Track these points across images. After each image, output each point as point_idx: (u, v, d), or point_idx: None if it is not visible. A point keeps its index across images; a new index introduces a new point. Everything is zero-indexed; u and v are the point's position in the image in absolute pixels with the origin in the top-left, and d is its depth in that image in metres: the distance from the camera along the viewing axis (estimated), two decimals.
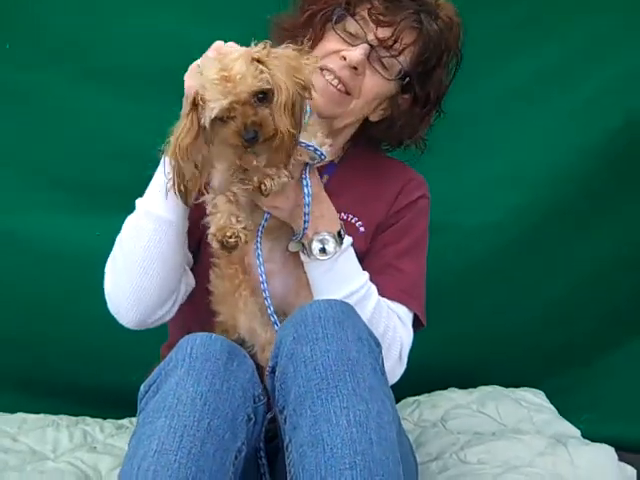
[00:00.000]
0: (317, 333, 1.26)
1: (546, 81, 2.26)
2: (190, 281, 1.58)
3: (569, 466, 1.80)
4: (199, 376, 1.26)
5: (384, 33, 1.51)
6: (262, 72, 1.29)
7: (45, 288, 2.22)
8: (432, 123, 1.69)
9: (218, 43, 1.40)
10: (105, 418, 2.14)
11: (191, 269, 1.60)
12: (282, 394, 1.27)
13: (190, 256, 1.59)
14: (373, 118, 1.64)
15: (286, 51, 1.36)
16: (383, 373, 1.32)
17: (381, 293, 1.56)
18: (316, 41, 1.56)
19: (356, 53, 1.51)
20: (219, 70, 1.27)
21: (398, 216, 1.65)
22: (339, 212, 1.59)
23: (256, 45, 1.34)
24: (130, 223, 1.49)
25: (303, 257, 1.49)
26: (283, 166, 1.35)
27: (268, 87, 1.29)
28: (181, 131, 1.31)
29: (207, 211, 1.38)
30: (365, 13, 1.52)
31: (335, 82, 1.52)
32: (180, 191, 1.36)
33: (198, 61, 1.38)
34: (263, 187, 1.34)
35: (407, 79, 1.57)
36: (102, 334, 2.21)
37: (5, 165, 2.18)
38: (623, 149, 2.29)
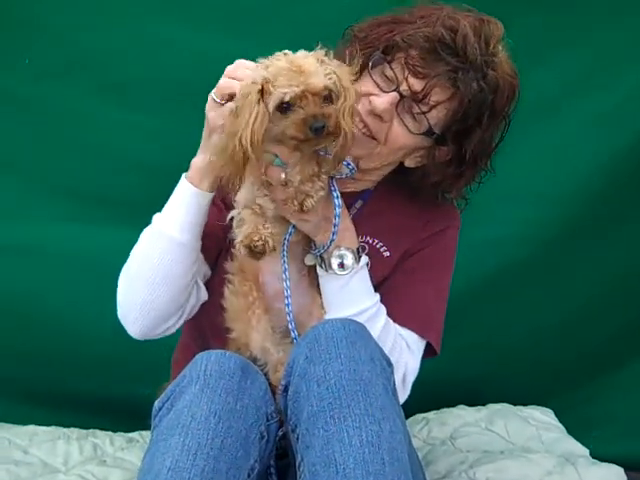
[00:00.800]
0: (330, 353, 1.28)
1: (557, 96, 2.25)
2: (202, 296, 1.60)
3: None
4: (213, 394, 1.27)
5: (416, 85, 1.45)
6: (332, 73, 1.32)
7: (55, 300, 2.23)
8: (477, 181, 1.63)
9: (230, 67, 1.41)
10: (115, 431, 2.15)
11: (206, 282, 1.62)
12: (294, 413, 1.28)
13: (206, 268, 1.61)
14: (408, 164, 1.60)
15: (343, 65, 1.39)
16: (394, 393, 1.34)
17: (394, 318, 1.57)
18: (355, 81, 1.50)
19: (382, 100, 1.47)
20: (292, 63, 1.30)
21: (424, 244, 1.64)
22: (366, 236, 1.61)
23: (320, 49, 1.36)
24: (144, 239, 1.51)
25: (320, 271, 1.51)
26: (317, 179, 1.37)
27: (334, 88, 1.32)
28: (254, 118, 1.29)
29: (233, 225, 1.40)
30: (402, 61, 1.46)
31: (360, 125, 1.48)
32: (237, 182, 1.36)
33: (214, 92, 1.39)
34: (305, 207, 1.36)
35: (437, 135, 1.51)
36: (112, 347, 2.23)
37: (17, 175, 2.20)
38: (635, 164, 2.28)
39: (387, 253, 1.62)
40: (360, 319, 1.44)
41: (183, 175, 1.50)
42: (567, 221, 2.32)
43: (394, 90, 1.47)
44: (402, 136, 1.50)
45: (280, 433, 1.40)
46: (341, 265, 1.48)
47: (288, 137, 1.31)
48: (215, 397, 1.27)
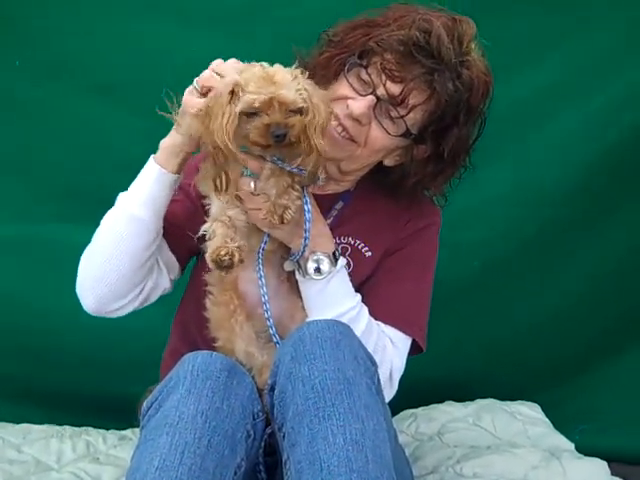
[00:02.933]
0: (315, 353, 1.30)
1: (545, 98, 2.27)
2: (163, 283, 1.61)
3: (562, 479, 1.83)
4: (200, 394, 1.30)
5: (393, 89, 1.47)
6: (302, 89, 1.36)
7: (48, 299, 2.25)
8: (455, 178, 1.66)
9: (218, 61, 1.44)
10: (108, 429, 2.17)
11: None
12: (281, 412, 1.31)
13: (172, 260, 1.63)
14: (387, 163, 1.62)
15: (315, 85, 1.42)
16: (379, 392, 1.36)
17: (378, 317, 1.59)
18: (330, 83, 1.55)
19: (359, 105, 1.48)
20: (265, 73, 1.35)
21: (404, 243, 1.66)
22: (348, 237, 1.64)
23: (296, 68, 1.41)
24: (107, 215, 1.54)
25: (298, 276, 1.54)
26: (292, 189, 1.40)
27: (304, 104, 1.35)
28: (226, 118, 1.32)
29: (206, 237, 1.42)
30: (378, 65, 1.48)
31: (339, 129, 1.51)
32: (220, 182, 1.39)
33: (196, 79, 1.43)
34: (285, 220, 1.39)
35: (414, 135, 1.53)
36: (105, 345, 2.26)
37: (12, 176, 2.22)
38: (619, 161, 2.30)
39: (369, 253, 1.64)
40: (342, 320, 1.46)
41: (152, 155, 1.52)
42: (552, 220, 2.35)
43: (371, 93, 1.49)
44: (381, 138, 1.52)
45: (268, 431, 1.42)
46: (317, 270, 1.50)
47: (250, 141, 1.35)
48: (202, 397, 1.29)
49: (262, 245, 1.50)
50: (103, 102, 2.16)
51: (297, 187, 1.42)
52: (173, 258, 1.63)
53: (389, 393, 1.60)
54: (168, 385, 1.35)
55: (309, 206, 1.46)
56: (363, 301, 1.59)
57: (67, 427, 2.14)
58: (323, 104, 1.38)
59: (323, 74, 1.52)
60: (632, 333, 2.45)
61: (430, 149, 1.56)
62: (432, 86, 1.46)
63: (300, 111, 1.35)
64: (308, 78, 1.40)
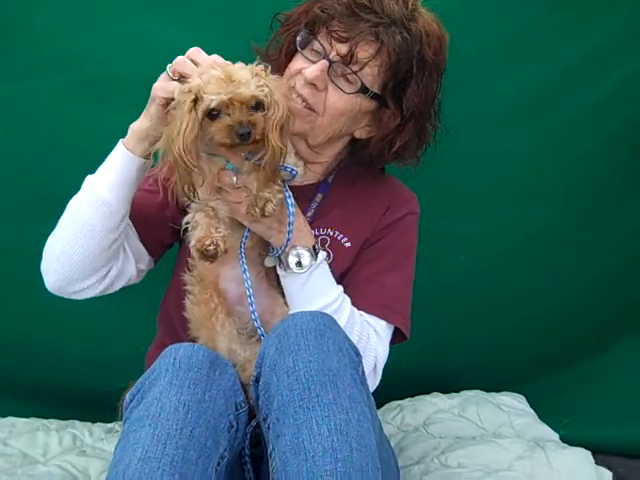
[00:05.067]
0: (299, 344, 1.31)
1: (536, 93, 2.25)
2: (130, 271, 1.62)
3: (547, 469, 1.85)
4: (182, 385, 1.30)
5: (342, 49, 1.51)
6: (264, 86, 1.36)
7: (32, 294, 2.21)
8: (428, 140, 1.68)
9: (196, 48, 1.45)
10: (94, 422, 2.17)
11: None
12: (265, 403, 1.31)
13: (143, 251, 1.64)
14: (359, 135, 1.65)
15: (282, 79, 1.47)
16: (363, 382, 1.37)
17: (361, 307, 1.60)
18: (286, 63, 1.59)
19: (312, 69, 1.52)
20: (223, 72, 1.35)
21: (383, 232, 1.68)
22: (327, 229, 1.65)
23: (258, 64, 1.41)
24: (74, 197, 1.55)
25: (280, 271, 1.55)
26: (273, 183, 1.40)
27: (265, 99, 1.36)
28: (185, 127, 1.33)
29: (188, 230, 1.43)
30: (325, 30, 1.53)
31: (298, 100, 1.53)
32: (186, 189, 1.39)
33: (169, 65, 1.44)
34: (267, 213, 1.40)
35: (373, 93, 1.55)
36: (90, 339, 2.26)
37: None
38: (616, 161, 2.31)
39: (348, 244, 1.66)
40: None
41: (120, 139, 1.52)
42: (544, 217, 2.34)
43: (323, 59, 1.52)
44: (339, 100, 1.55)
45: (253, 423, 1.43)
46: (299, 264, 1.52)
47: (217, 144, 1.36)
48: (184, 388, 1.30)
49: (243, 240, 1.51)
50: (87, 99, 2.11)
51: (278, 181, 1.42)
52: (142, 248, 1.64)
53: (373, 382, 1.61)
54: (150, 377, 1.35)
55: (292, 200, 1.48)
56: (345, 292, 1.60)
57: (53, 420, 2.14)
58: (284, 98, 1.39)
59: (277, 57, 1.56)
60: (618, 328, 2.46)
61: (396, 113, 1.58)
62: (379, 38, 1.50)
63: (262, 107, 1.36)
64: (271, 67, 1.42)
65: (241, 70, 1.37)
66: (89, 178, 1.54)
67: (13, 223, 2.18)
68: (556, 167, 2.29)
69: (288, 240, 1.49)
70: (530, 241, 2.35)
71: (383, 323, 1.62)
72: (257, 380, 1.35)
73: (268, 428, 1.30)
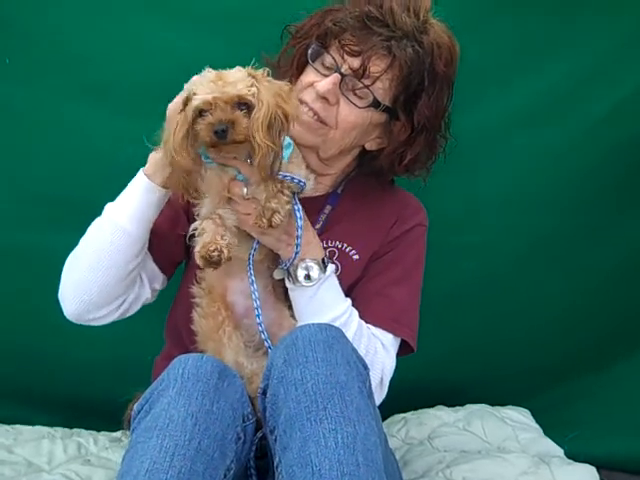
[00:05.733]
0: (307, 356, 1.31)
1: (541, 104, 2.26)
2: (145, 294, 1.64)
3: None
4: (190, 397, 1.30)
5: (354, 63, 1.51)
6: (253, 86, 1.38)
7: (37, 300, 2.22)
8: (438, 152, 1.69)
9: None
10: (99, 431, 2.17)
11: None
12: (273, 415, 1.32)
13: (157, 271, 1.66)
14: (370, 147, 1.65)
15: (280, 82, 1.45)
16: (370, 395, 1.37)
17: (369, 320, 1.61)
18: (297, 76, 1.59)
19: (325, 82, 1.52)
20: (216, 74, 1.38)
21: (392, 245, 1.68)
22: (335, 241, 1.66)
23: (257, 68, 1.43)
24: (93, 224, 1.57)
25: (288, 284, 1.55)
26: (281, 194, 1.41)
27: (251, 100, 1.37)
28: (174, 128, 1.38)
29: (195, 234, 1.44)
30: (337, 44, 1.53)
31: (310, 114, 1.54)
32: (181, 186, 1.41)
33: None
34: (274, 223, 1.41)
35: (385, 106, 1.56)
36: (97, 347, 2.25)
37: None
38: (621, 171, 2.30)
39: (356, 257, 1.66)
40: None
41: (141, 169, 1.55)
42: (547, 227, 2.34)
43: (334, 72, 1.53)
44: (351, 114, 1.55)
45: (259, 434, 1.43)
46: (307, 277, 1.53)
47: (202, 141, 1.38)
48: (192, 400, 1.30)
49: (252, 252, 1.52)
50: (91, 104, 2.12)
51: (287, 192, 1.43)
52: (156, 268, 1.66)
53: (380, 396, 1.62)
54: (159, 388, 1.35)
55: (301, 213, 1.48)
56: (353, 305, 1.60)
57: (58, 429, 2.14)
58: (273, 99, 1.38)
59: (288, 69, 1.58)
60: (624, 340, 2.45)
61: (406, 125, 1.59)
62: (391, 52, 1.51)
63: (248, 108, 1.37)
64: (281, 77, 1.46)
65: (235, 72, 1.39)
66: (109, 206, 1.56)
67: (14, 226, 2.19)
68: (560, 178, 2.30)
69: (297, 253, 1.50)
70: (534, 252, 2.35)
71: (390, 336, 1.62)
72: (264, 392, 1.36)
73: (275, 440, 1.30)
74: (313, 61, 1.57)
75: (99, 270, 1.52)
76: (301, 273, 1.52)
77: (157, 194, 1.52)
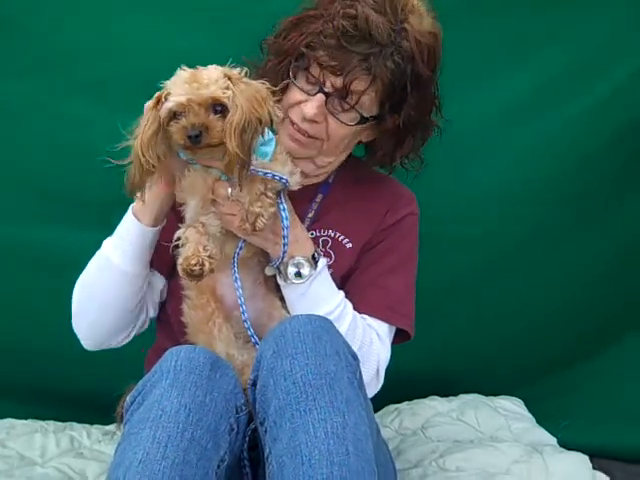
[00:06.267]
0: (296, 347, 1.31)
1: (535, 96, 2.27)
2: (155, 305, 1.71)
3: (544, 473, 1.85)
4: (183, 388, 1.30)
5: (336, 82, 1.49)
6: (228, 88, 1.35)
7: (31, 296, 2.24)
8: (430, 136, 1.68)
9: None
10: (92, 424, 2.17)
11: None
12: (262, 407, 1.31)
13: (161, 285, 1.69)
14: (364, 139, 1.65)
15: (257, 84, 1.42)
16: (360, 386, 1.37)
17: (365, 311, 1.61)
18: (283, 90, 1.55)
19: (310, 106, 1.51)
20: (191, 74, 1.35)
21: (384, 234, 1.68)
22: (328, 229, 1.66)
23: (235, 67, 1.41)
24: (95, 263, 1.60)
25: (280, 281, 1.55)
26: (265, 196, 1.40)
27: (226, 102, 1.34)
28: (144, 125, 1.37)
29: (179, 245, 1.42)
30: (317, 62, 1.50)
31: (302, 132, 1.53)
32: (133, 185, 1.40)
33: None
34: (257, 227, 1.40)
35: (372, 117, 1.55)
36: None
37: None
38: (615, 162, 2.32)
39: (349, 245, 1.66)
40: None
41: (131, 205, 1.56)
42: (538, 220, 2.35)
43: (319, 92, 1.51)
44: (340, 128, 1.55)
45: (252, 426, 1.42)
46: (298, 274, 1.52)
47: (176, 143, 1.37)
48: (185, 391, 1.30)
49: (237, 250, 1.51)
50: (89, 101, 2.13)
51: (270, 194, 1.42)
52: (158, 275, 1.68)
53: (376, 386, 1.63)
54: (151, 379, 1.35)
55: (286, 213, 1.47)
56: (349, 296, 1.60)
57: (51, 422, 2.15)
58: (248, 103, 1.36)
59: (274, 83, 1.52)
60: (617, 330, 2.46)
61: (397, 121, 1.57)
62: (371, 71, 1.47)
63: (223, 111, 1.35)
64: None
65: (210, 71, 1.37)
66: (108, 245, 1.59)
67: (10, 221, 2.19)
68: (557, 168, 2.30)
69: (284, 253, 1.50)
70: (529, 244, 2.36)
71: (386, 326, 1.63)
72: (254, 383, 1.36)
73: (265, 431, 1.30)
74: (295, 79, 1.55)
75: (109, 311, 1.60)
76: (291, 271, 1.52)
77: (150, 235, 1.55)
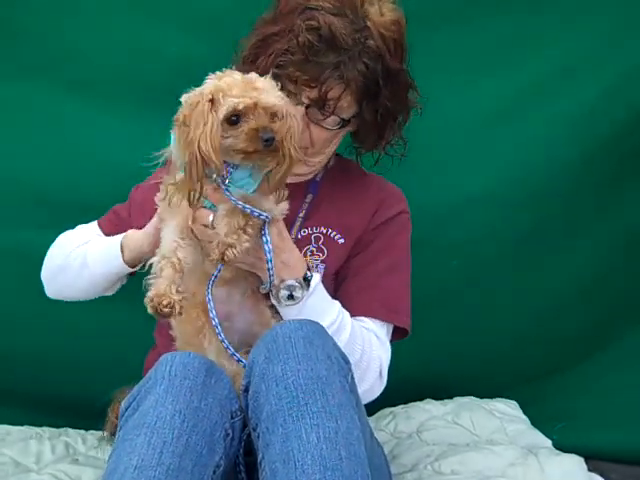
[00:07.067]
0: (288, 352, 1.31)
1: (523, 98, 2.27)
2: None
3: (540, 476, 1.86)
4: (178, 394, 1.30)
5: (312, 94, 1.52)
6: (280, 96, 1.38)
7: (27, 301, 2.22)
8: (410, 117, 1.69)
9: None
10: (87, 430, 2.17)
11: None
12: (255, 412, 1.31)
13: None
14: (350, 129, 1.67)
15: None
16: (352, 389, 1.37)
17: (361, 313, 1.62)
18: None
19: None
20: (246, 79, 1.36)
21: (377, 233, 1.69)
22: (320, 227, 1.67)
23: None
24: (76, 265, 1.69)
25: (274, 301, 1.54)
26: (242, 232, 1.38)
27: (280, 110, 1.37)
28: (209, 126, 1.31)
29: (152, 271, 1.41)
30: (289, 79, 1.51)
31: None
32: (194, 194, 1.37)
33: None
34: (226, 258, 1.37)
35: (351, 118, 1.59)
36: (85, 346, 2.26)
37: None
38: (606, 164, 2.32)
39: (342, 240, 1.67)
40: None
41: (121, 236, 1.62)
42: (532, 223, 2.35)
43: (297, 104, 1.52)
44: (323, 133, 1.59)
45: (248, 431, 1.42)
46: (290, 297, 1.51)
47: (236, 149, 1.35)
48: (180, 397, 1.30)
49: (215, 273, 1.48)
50: (77, 101, 2.13)
51: (249, 230, 1.39)
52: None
53: (380, 388, 1.64)
54: (146, 385, 1.35)
55: (269, 246, 1.44)
56: (347, 300, 1.61)
57: (46, 428, 2.15)
58: (296, 111, 1.41)
59: None
60: (610, 332, 2.46)
61: (374, 112, 1.60)
62: (343, 77, 1.50)
63: (277, 118, 1.36)
64: None
65: (260, 79, 1.38)
66: (91, 252, 1.67)
67: (5, 226, 2.19)
68: (543, 173, 2.30)
69: (270, 282, 1.49)
70: (519, 248, 2.36)
71: (384, 326, 1.64)
72: (246, 389, 1.36)
73: (258, 437, 1.30)
74: None
75: (79, 286, 1.73)
76: (284, 294, 1.51)
77: (124, 269, 1.64)
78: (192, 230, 1.43)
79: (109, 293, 1.76)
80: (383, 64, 1.54)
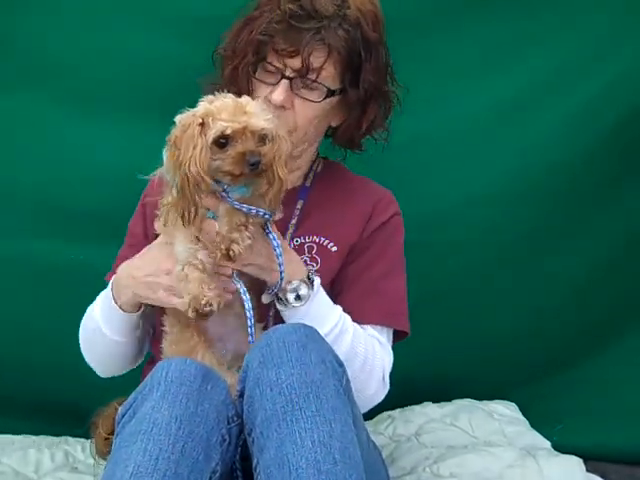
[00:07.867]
0: (282, 357, 1.32)
1: (517, 99, 2.28)
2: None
3: (538, 477, 1.86)
4: (174, 400, 1.31)
5: (295, 63, 1.55)
6: (270, 120, 1.40)
7: (26, 310, 2.24)
8: (393, 105, 1.72)
9: None
10: (87, 438, 2.15)
11: None
12: (250, 417, 1.32)
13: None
14: (334, 123, 1.70)
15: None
16: (346, 393, 1.37)
17: (365, 320, 1.63)
18: (250, 93, 1.59)
19: (277, 93, 1.56)
20: (236, 102, 1.38)
21: (371, 239, 1.70)
22: (312, 235, 1.67)
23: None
24: (89, 325, 1.68)
25: (280, 307, 1.55)
26: (244, 228, 1.41)
27: (270, 133, 1.39)
28: (199, 149, 1.34)
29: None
30: (273, 51, 1.55)
31: None
32: (189, 214, 1.38)
33: None
34: (232, 253, 1.39)
35: (338, 89, 1.60)
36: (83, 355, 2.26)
37: None
38: (598, 166, 2.32)
39: (334, 248, 1.68)
40: (329, 339, 1.48)
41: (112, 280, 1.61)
42: (533, 222, 2.35)
43: (281, 78, 1.56)
44: (309, 109, 1.60)
45: (243, 437, 1.42)
46: (297, 297, 1.53)
47: (222, 171, 1.37)
48: (176, 403, 1.30)
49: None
50: (72, 111, 2.14)
51: (251, 227, 1.42)
52: None
53: (383, 392, 1.66)
54: (142, 392, 1.36)
55: (277, 241, 1.47)
56: (347, 308, 1.62)
57: (45, 437, 2.15)
58: (286, 135, 1.43)
59: (237, 90, 1.56)
60: (610, 333, 2.46)
61: (358, 93, 1.62)
62: (325, 42, 1.54)
63: (266, 140, 1.39)
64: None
65: (252, 102, 1.41)
66: (97, 314, 1.64)
67: (6, 237, 2.19)
68: (540, 170, 2.31)
69: (282, 279, 1.50)
70: (518, 248, 2.36)
71: (385, 331, 1.65)
72: (241, 394, 1.36)
73: (252, 442, 1.31)
74: (256, 74, 1.60)
75: (111, 361, 1.73)
76: (291, 295, 1.52)
77: (133, 316, 1.60)
78: (198, 238, 1.44)
79: (142, 352, 1.77)
80: (362, 33, 1.57)
